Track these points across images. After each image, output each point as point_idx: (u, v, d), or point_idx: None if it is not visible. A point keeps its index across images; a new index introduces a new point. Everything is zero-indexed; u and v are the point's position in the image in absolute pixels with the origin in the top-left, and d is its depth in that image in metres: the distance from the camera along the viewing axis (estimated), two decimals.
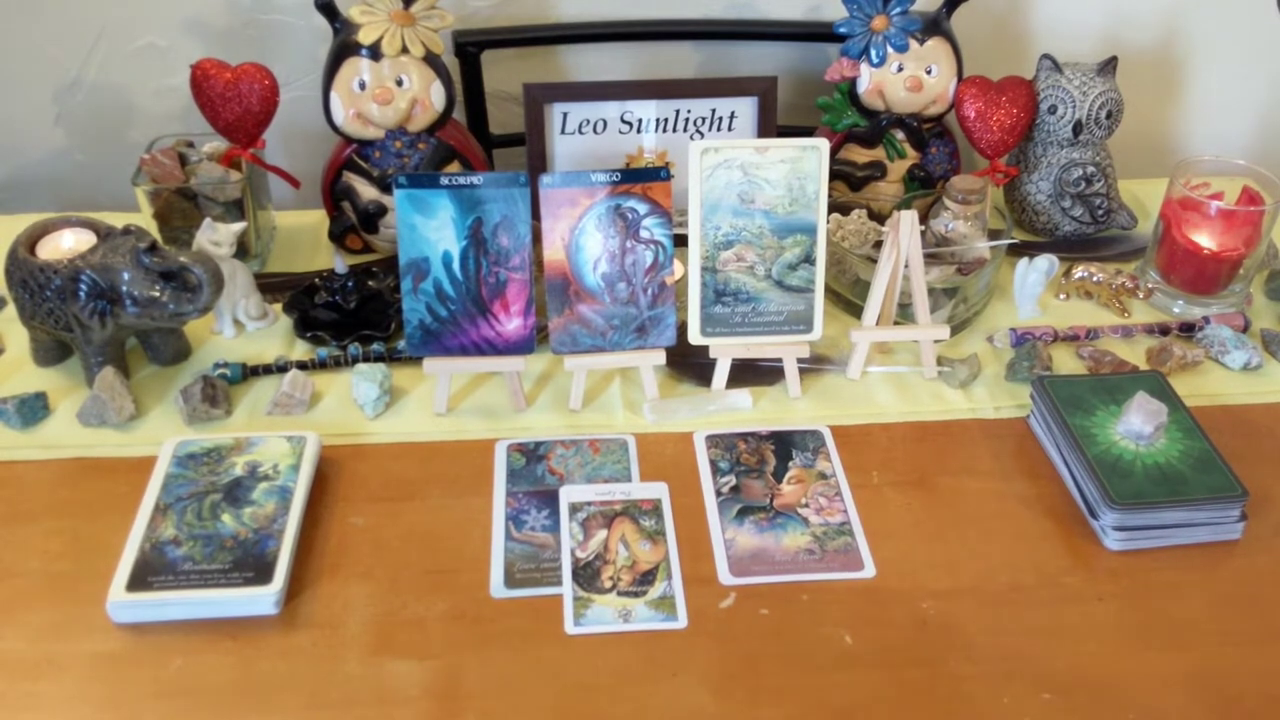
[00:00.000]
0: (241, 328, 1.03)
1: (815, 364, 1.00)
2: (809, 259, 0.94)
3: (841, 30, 1.13)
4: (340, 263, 1.04)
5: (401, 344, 0.98)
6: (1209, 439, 0.88)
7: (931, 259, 1.04)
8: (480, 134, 1.21)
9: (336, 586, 0.79)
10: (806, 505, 0.87)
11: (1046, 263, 1.05)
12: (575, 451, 0.91)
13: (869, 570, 0.82)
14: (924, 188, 1.16)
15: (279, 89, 1.08)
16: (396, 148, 1.08)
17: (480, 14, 1.19)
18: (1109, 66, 1.13)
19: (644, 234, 0.92)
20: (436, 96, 1.07)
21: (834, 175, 1.16)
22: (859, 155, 1.18)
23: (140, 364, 0.99)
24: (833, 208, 1.11)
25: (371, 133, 1.07)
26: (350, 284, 1.04)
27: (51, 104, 1.22)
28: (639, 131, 1.15)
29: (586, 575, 0.80)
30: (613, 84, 1.16)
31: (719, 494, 0.88)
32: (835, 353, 1.02)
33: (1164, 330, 1.06)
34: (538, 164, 1.13)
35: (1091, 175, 1.15)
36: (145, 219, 1.08)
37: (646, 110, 1.14)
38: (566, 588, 0.79)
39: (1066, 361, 1.03)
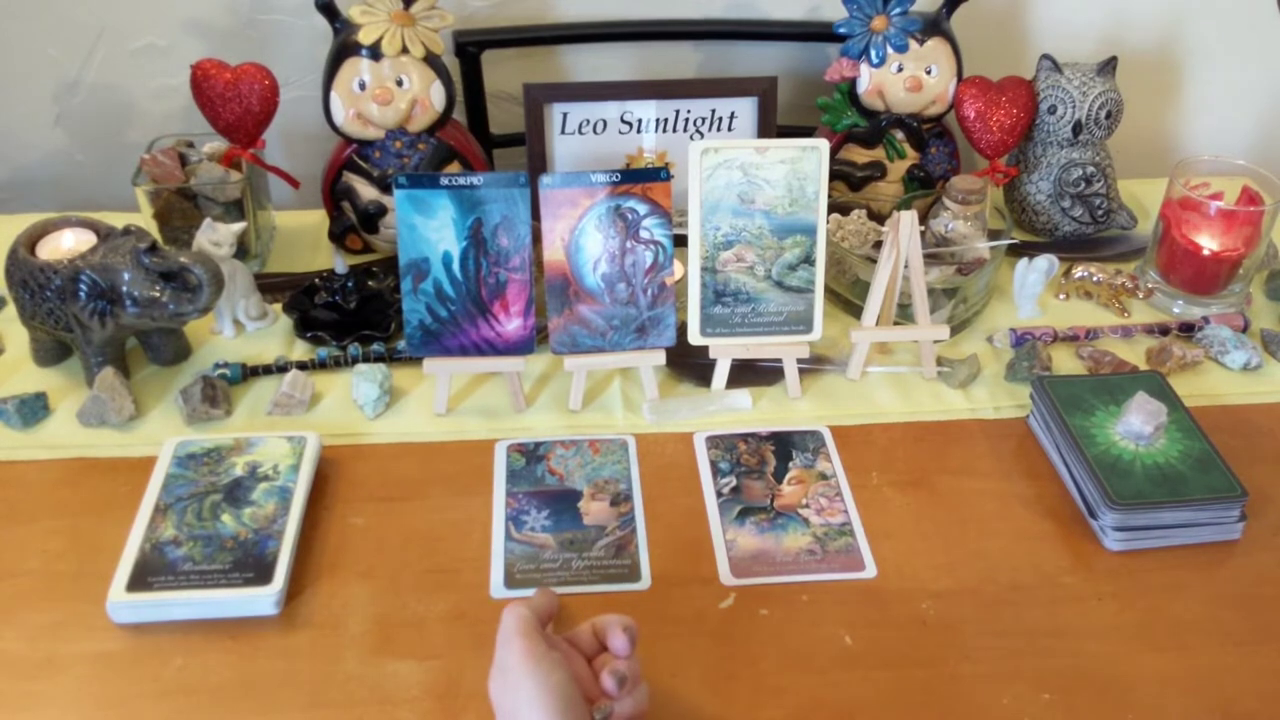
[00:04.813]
0: (241, 328, 1.03)
1: (815, 364, 1.00)
2: (809, 259, 0.94)
3: (841, 30, 1.13)
4: (340, 263, 1.04)
5: (401, 344, 0.98)
6: (1209, 439, 0.88)
7: (931, 259, 1.04)
8: (480, 134, 1.22)
9: (336, 586, 0.79)
10: (807, 506, 0.87)
11: (1046, 263, 1.05)
12: (575, 452, 0.91)
13: (870, 570, 0.82)
14: (924, 188, 1.16)
15: (279, 89, 1.08)
16: (396, 148, 1.08)
17: (480, 14, 1.19)
18: (1109, 67, 1.13)
19: (644, 234, 0.92)
20: (436, 96, 1.07)
21: (834, 175, 1.16)
22: (859, 155, 1.18)
23: (140, 364, 0.99)
24: (833, 208, 1.11)
25: (371, 133, 1.07)
26: (350, 284, 1.04)
27: (51, 104, 1.22)
28: (639, 132, 1.15)
29: None
30: (613, 84, 1.16)
31: (719, 495, 0.88)
32: (835, 353, 1.02)
33: (1164, 330, 1.06)
34: (538, 164, 1.13)
35: (1091, 175, 1.15)
36: (145, 219, 1.08)
37: (646, 110, 1.14)
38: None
39: (1066, 361, 1.03)
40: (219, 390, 0.93)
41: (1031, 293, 1.07)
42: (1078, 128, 1.13)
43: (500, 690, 0.64)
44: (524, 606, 0.66)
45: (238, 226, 1.00)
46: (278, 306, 1.05)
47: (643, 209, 0.92)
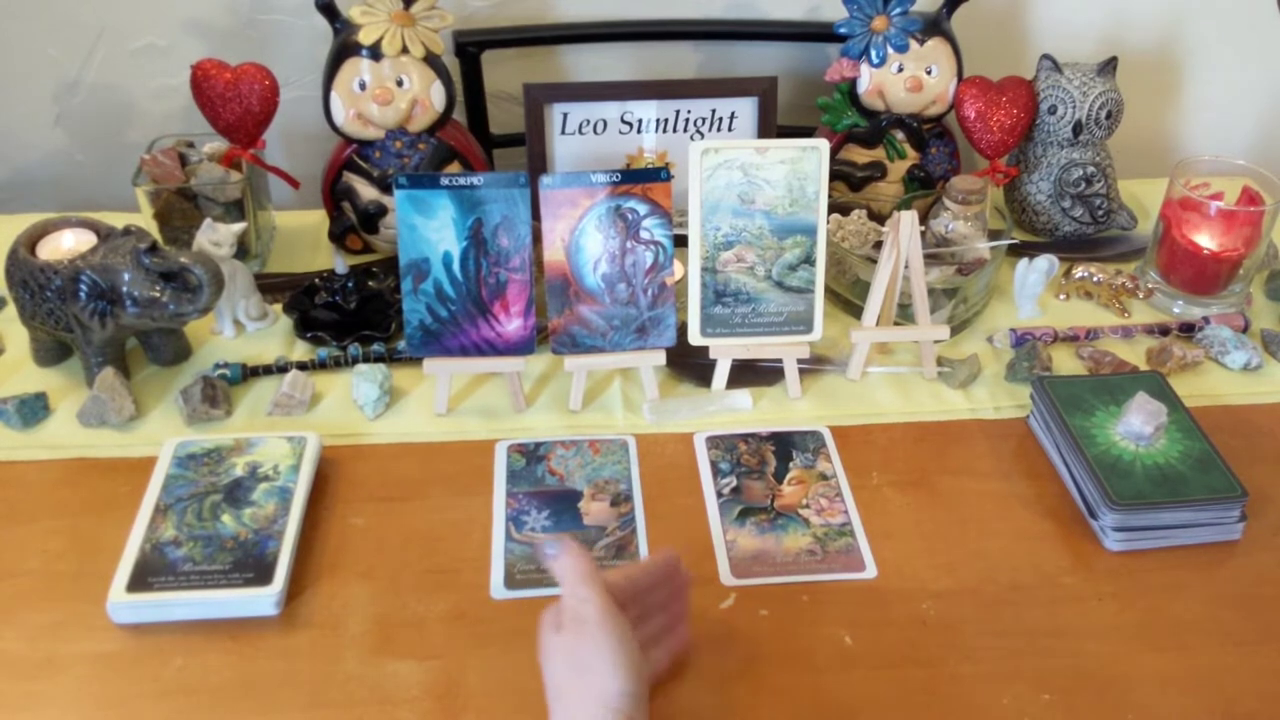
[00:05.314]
0: (241, 328, 1.03)
1: (815, 364, 1.00)
2: (809, 259, 0.94)
3: (841, 30, 1.13)
4: (340, 263, 1.04)
5: (401, 344, 0.98)
6: (1209, 439, 0.88)
7: (931, 259, 1.04)
8: (480, 134, 1.22)
9: (336, 586, 0.79)
10: (807, 506, 0.87)
11: (1046, 263, 1.05)
12: (575, 452, 0.91)
13: (870, 571, 0.82)
14: (924, 188, 1.16)
15: (279, 89, 1.08)
16: (397, 148, 1.08)
17: (480, 14, 1.19)
18: (1109, 67, 1.13)
19: (644, 234, 0.92)
20: (436, 97, 1.07)
21: (834, 175, 1.16)
22: (859, 155, 1.18)
23: (140, 364, 0.99)
24: (833, 208, 1.11)
25: (372, 133, 1.07)
26: (350, 284, 1.04)
27: (51, 104, 1.22)
28: (639, 132, 1.15)
29: None
30: (613, 84, 1.17)
31: (720, 495, 0.88)
32: (835, 353, 1.02)
33: (1164, 330, 1.06)
34: (538, 164, 1.13)
35: (1091, 175, 1.15)
36: (145, 219, 1.08)
37: (646, 110, 1.14)
38: None
39: (1066, 362, 1.03)
40: (219, 390, 0.93)
41: (1031, 293, 1.07)
42: (1078, 128, 1.13)
43: (571, 643, 0.64)
44: (585, 558, 0.66)
45: (238, 226, 1.00)
46: (278, 306, 1.05)
47: (643, 209, 0.92)
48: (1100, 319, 1.08)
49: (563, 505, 0.86)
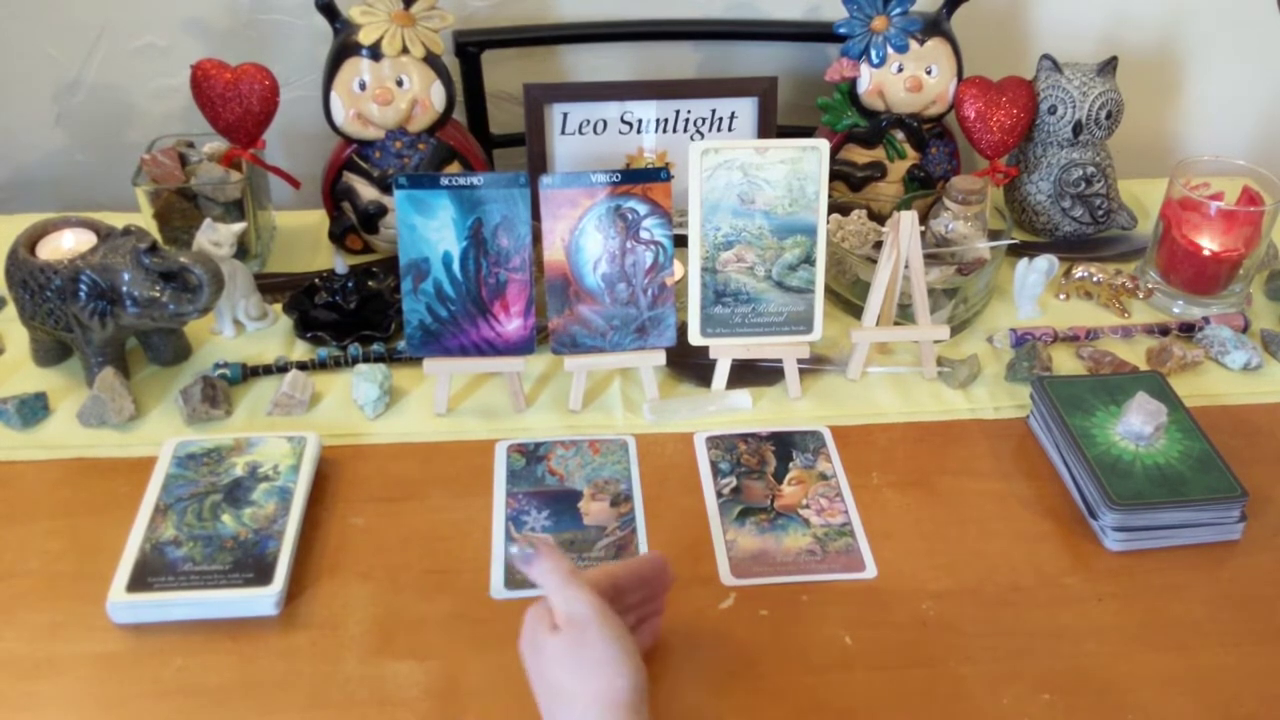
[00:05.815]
0: (241, 328, 1.03)
1: (815, 364, 1.00)
2: (809, 259, 0.94)
3: (841, 30, 1.13)
4: (340, 263, 1.04)
5: (401, 344, 0.98)
6: (1209, 439, 0.88)
7: (931, 259, 1.04)
8: (480, 134, 1.22)
9: (336, 586, 0.79)
10: (807, 506, 0.87)
11: (1046, 263, 1.05)
12: (575, 452, 0.91)
13: (870, 571, 0.82)
14: (924, 188, 1.16)
15: (279, 89, 1.08)
16: (396, 148, 1.08)
17: (480, 14, 1.19)
18: (1109, 67, 1.13)
19: (644, 234, 0.92)
20: (436, 97, 1.07)
21: (834, 175, 1.16)
22: (859, 155, 1.18)
23: (140, 364, 0.99)
24: (833, 208, 1.11)
25: (371, 133, 1.07)
26: (350, 284, 1.04)
27: (51, 104, 1.22)
28: (639, 132, 1.15)
29: None
30: (613, 84, 1.17)
31: (720, 495, 0.88)
32: (835, 353, 1.02)
33: (1164, 330, 1.06)
34: (538, 164, 1.13)
35: (1091, 175, 1.15)
36: (145, 219, 1.08)
37: (646, 110, 1.14)
38: None
39: (1066, 362, 1.03)
40: (219, 390, 0.93)
41: (1031, 293, 1.07)
42: (1078, 128, 1.13)
43: (571, 644, 0.63)
44: (565, 558, 0.66)
45: (238, 226, 1.00)
46: (278, 306, 1.05)
47: (643, 209, 0.92)
48: (1100, 319, 1.08)
49: (562, 505, 0.86)
